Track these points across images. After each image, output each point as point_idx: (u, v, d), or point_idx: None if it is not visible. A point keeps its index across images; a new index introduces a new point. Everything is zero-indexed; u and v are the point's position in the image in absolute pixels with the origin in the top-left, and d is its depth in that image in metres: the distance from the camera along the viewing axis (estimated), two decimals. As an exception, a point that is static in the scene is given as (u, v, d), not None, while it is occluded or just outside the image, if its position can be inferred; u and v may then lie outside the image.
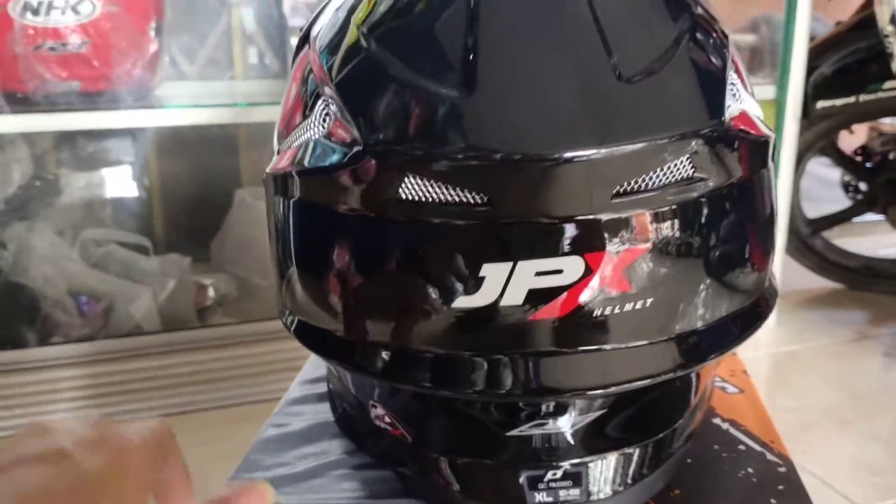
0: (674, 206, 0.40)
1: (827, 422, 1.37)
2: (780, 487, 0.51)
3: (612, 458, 0.47)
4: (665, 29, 0.43)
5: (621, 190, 0.39)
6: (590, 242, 0.39)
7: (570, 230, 0.38)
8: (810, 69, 1.66)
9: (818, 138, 1.81)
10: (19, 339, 1.37)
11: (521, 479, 0.46)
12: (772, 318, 1.71)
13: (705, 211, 0.41)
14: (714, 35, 0.45)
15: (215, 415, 1.40)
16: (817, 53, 1.70)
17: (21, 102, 1.28)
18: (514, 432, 0.46)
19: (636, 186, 0.39)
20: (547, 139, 0.38)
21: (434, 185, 0.39)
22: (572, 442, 0.46)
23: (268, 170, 0.48)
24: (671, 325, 0.42)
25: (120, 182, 1.71)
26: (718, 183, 0.41)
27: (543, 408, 0.46)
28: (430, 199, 0.39)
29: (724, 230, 0.43)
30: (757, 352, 1.63)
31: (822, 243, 1.92)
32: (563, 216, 0.38)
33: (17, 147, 1.56)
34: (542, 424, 0.46)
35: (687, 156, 0.40)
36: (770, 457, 0.54)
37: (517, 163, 0.38)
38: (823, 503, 1.15)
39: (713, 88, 0.42)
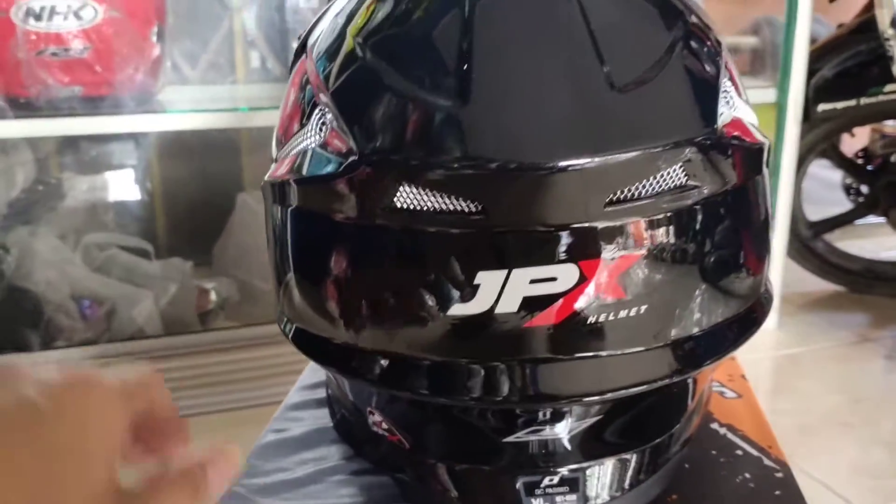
0: (668, 214, 0.40)
1: (828, 425, 1.36)
2: (777, 492, 0.51)
3: (608, 464, 0.47)
4: (658, 37, 0.43)
5: (615, 198, 0.39)
6: (584, 250, 0.39)
7: (564, 238, 0.39)
8: (811, 72, 1.66)
9: (819, 141, 1.81)
10: (22, 343, 1.38)
11: (518, 485, 0.46)
12: (773, 321, 1.71)
13: (699, 218, 0.42)
14: (708, 43, 0.45)
15: (217, 418, 1.41)
16: (818, 56, 1.70)
17: (24, 107, 1.29)
18: (511, 438, 0.46)
19: (630, 194, 0.39)
20: (541, 148, 0.38)
21: (429, 193, 0.39)
22: (569, 448, 0.47)
23: (266, 178, 0.49)
24: (667, 331, 0.43)
25: (122, 186, 1.71)
26: (712, 190, 0.42)
27: (540, 414, 0.46)
28: (426, 208, 0.39)
29: (719, 237, 0.43)
30: (758, 355, 1.63)
31: (824, 246, 1.91)
32: (558, 224, 0.38)
33: (20, 151, 1.57)
34: (539, 431, 0.46)
35: (680, 164, 0.40)
36: (767, 462, 0.54)
37: (512, 172, 0.38)
38: (824, 507, 1.15)
39: (706, 96, 0.43)
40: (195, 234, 1.70)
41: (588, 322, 0.40)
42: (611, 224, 0.39)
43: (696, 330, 0.44)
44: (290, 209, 0.46)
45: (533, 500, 0.46)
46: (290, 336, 0.49)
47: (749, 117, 0.46)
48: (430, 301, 0.40)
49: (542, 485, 0.46)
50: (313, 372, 0.66)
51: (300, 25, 1.64)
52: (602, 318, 0.40)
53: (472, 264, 0.39)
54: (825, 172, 2.18)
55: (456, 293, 0.40)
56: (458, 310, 0.40)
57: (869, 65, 1.67)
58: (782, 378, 1.57)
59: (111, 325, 1.45)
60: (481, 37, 0.41)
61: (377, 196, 0.40)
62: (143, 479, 0.29)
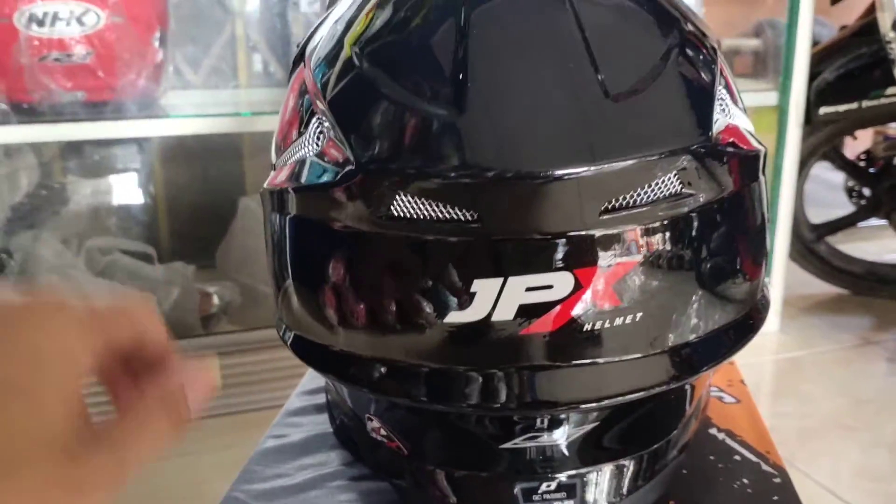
0: (664, 221, 0.40)
1: (830, 428, 1.36)
2: (775, 498, 0.51)
3: (606, 470, 0.48)
4: (653, 45, 0.43)
5: (610, 206, 0.39)
6: (579, 258, 0.39)
7: (559, 246, 0.39)
8: (813, 75, 1.66)
9: (821, 144, 1.81)
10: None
11: (516, 491, 0.47)
12: (774, 324, 1.71)
13: (696, 225, 0.42)
14: (703, 50, 0.45)
15: (220, 422, 1.41)
16: (820, 59, 1.70)
17: (26, 113, 1.29)
18: (509, 445, 0.46)
19: (626, 202, 0.39)
20: (537, 157, 0.38)
21: (426, 202, 0.39)
22: (567, 454, 0.47)
23: (265, 185, 0.49)
24: (664, 337, 0.43)
25: (125, 190, 1.72)
26: (708, 198, 0.42)
27: (538, 421, 0.46)
28: (422, 217, 0.40)
29: (715, 244, 0.43)
30: (760, 358, 1.63)
31: (827, 248, 1.91)
32: (553, 232, 0.39)
33: (23, 155, 1.58)
34: (537, 437, 0.46)
35: (676, 172, 0.40)
36: (765, 467, 0.54)
37: (508, 180, 0.38)
38: (826, 510, 1.15)
39: (701, 104, 0.43)
40: (198, 237, 1.70)
41: (585, 329, 0.41)
42: (607, 232, 0.39)
43: (692, 336, 0.44)
44: (288, 217, 0.46)
45: (531, 505, 0.46)
46: (288, 343, 0.49)
47: (745, 124, 0.46)
48: (427, 308, 0.40)
49: (540, 491, 0.47)
50: (313, 377, 0.67)
51: (302, 30, 1.64)
52: (599, 326, 0.41)
53: (469, 272, 0.39)
54: (828, 174, 2.18)
55: (453, 301, 0.40)
56: (454, 317, 0.40)
57: (871, 68, 1.67)
58: (784, 381, 1.57)
59: (114, 328, 1.45)
60: (477, 46, 0.41)
61: (374, 205, 0.40)
62: (117, 410, 0.27)
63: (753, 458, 0.55)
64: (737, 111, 0.46)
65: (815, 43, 1.68)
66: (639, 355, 0.42)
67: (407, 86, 0.41)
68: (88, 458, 0.25)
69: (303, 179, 0.44)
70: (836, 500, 1.17)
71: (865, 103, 1.69)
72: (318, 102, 0.45)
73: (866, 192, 1.93)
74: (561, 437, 0.47)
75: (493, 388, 0.42)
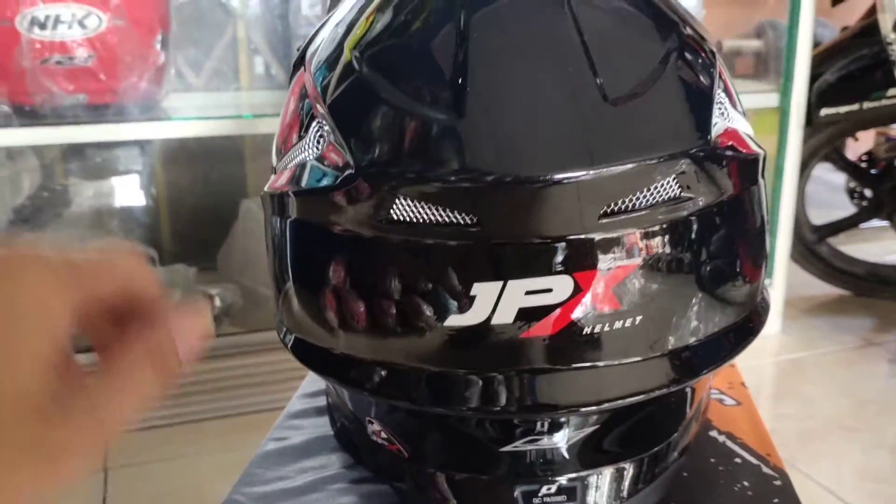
0: (663, 225, 0.41)
1: (832, 429, 1.36)
2: (776, 501, 0.51)
3: (606, 473, 0.48)
4: (652, 49, 0.43)
5: (609, 210, 0.39)
6: (579, 262, 0.39)
7: (558, 250, 0.39)
8: (814, 76, 1.66)
9: (822, 145, 1.81)
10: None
11: (516, 494, 0.47)
12: (776, 325, 1.71)
13: (695, 228, 0.42)
14: (702, 54, 0.45)
15: (222, 424, 1.41)
16: (821, 61, 1.70)
17: (29, 115, 1.30)
18: (509, 448, 0.46)
19: (625, 206, 0.39)
20: (536, 161, 0.38)
21: (425, 206, 0.39)
22: (567, 457, 0.47)
23: (266, 188, 0.49)
24: (664, 341, 0.43)
25: (127, 192, 1.72)
26: (708, 201, 0.42)
27: (538, 424, 0.46)
28: (422, 220, 0.40)
29: (715, 247, 0.43)
30: (761, 359, 1.63)
31: (828, 250, 1.91)
32: (553, 236, 0.39)
33: (25, 157, 1.58)
34: (537, 440, 0.46)
35: (675, 175, 0.40)
36: (766, 470, 0.54)
37: (507, 184, 0.38)
38: (828, 512, 1.15)
39: (700, 108, 0.43)
40: (199, 240, 1.71)
41: (584, 332, 0.41)
42: (606, 236, 0.39)
43: (692, 339, 0.44)
44: (289, 220, 0.46)
45: (531, 509, 0.47)
46: (289, 346, 0.49)
47: (744, 128, 0.46)
48: (427, 312, 0.41)
49: (540, 494, 0.47)
50: (314, 380, 0.67)
51: (304, 32, 1.64)
52: (598, 329, 0.41)
53: (468, 276, 0.39)
54: (829, 176, 2.18)
55: (452, 304, 0.40)
56: (454, 321, 0.40)
57: (872, 69, 1.67)
58: (786, 382, 1.57)
59: (116, 331, 1.45)
60: (476, 50, 0.41)
61: (374, 209, 0.41)
62: (101, 367, 0.25)
63: (754, 461, 0.55)
64: (736, 115, 0.46)
65: (816, 44, 1.68)
66: (639, 358, 0.42)
67: (406, 90, 0.41)
68: (65, 420, 0.23)
69: (303, 183, 0.45)
70: (838, 501, 1.17)
71: (867, 105, 1.69)
72: (318, 106, 0.45)
73: (868, 193, 1.93)
74: (561, 440, 0.47)
75: (493, 392, 0.42)
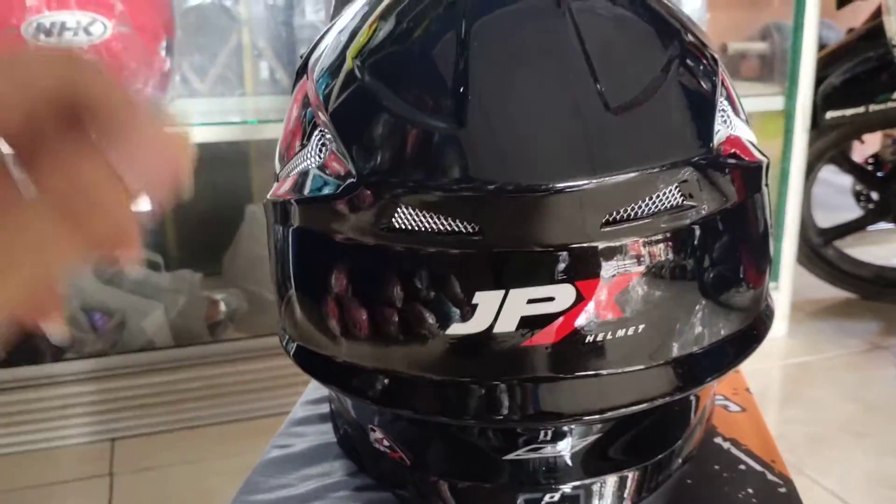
0: (666, 233, 0.40)
1: (840, 434, 1.35)
2: (781, 508, 0.51)
3: (610, 481, 0.48)
4: (654, 57, 0.43)
5: (612, 218, 0.39)
6: (581, 270, 0.39)
7: (560, 258, 0.39)
8: (819, 79, 1.65)
9: (828, 148, 1.81)
10: (33, 355, 1.39)
11: (519, 502, 0.47)
12: (782, 329, 1.71)
13: (698, 236, 0.42)
14: (704, 61, 0.45)
15: (227, 429, 1.41)
16: (826, 63, 1.70)
17: (34, 122, 1.30)
18: (512, 456, 0.46)
19: (627, 215, 0.39)
20: (538, 169, 0.38)
21: (427, 215, 0.39)
22: (570, 465, 0.47)
23: (269, 196, 0.49)
24: (667, 348, 0.43)
25: (132, 198, 1.72)
26: (710, 209, 0.42)
27: (541, 432, 0.46)
28: (424, 229, 0.40)
29: (718, 255, 0.43)
30: (768, 363, 1.62)
31: (835, 253, 1.90)
32: (555, 245, 0.39)
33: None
34: (540, 449, 0.46)
35: (677, 184, 0.40)
36: (771, 477, 0.54)
37: (509, 193, 0.38)
38: (835, 517, 1.14)
39: (703, 115, 0.43)
40: (205, 245, 1.71)
41: (587, 341, 0.40)
42: (608, 244, 0.39)
43: (696, 347, 0.44)
44: (291, 228, 0.46)
45: (534, 517, 0.46)
46: (291, 354, 0.49)
47: (747, 135, 0.46)
48: (429, 320, 0.40)
49: (544, 502, 0.46)
50: (317, 387, 0.67)
51: (308, 37, 1.65)
52: (601, 337, 0.41)
53: (470, 284, 0.39)
54: (836, 178, 2.17)
55: (455, 312, 0.40)
56: (457, 329, 0.40)
57: (878, 71, 1.67)
58: (792, 386, 1.56)
59: (121, 336, 1.46)
60: (477, 58, 0.41)
61: (375, 217, 0.41)
62: (35, 189, 0.21)
63: (759, 468, 0.54)
64: (738, 122, 0.46)
65: (821, 46, 1.67)
66: (642, 366, 0.42)
67: (408, 98, 0.41)
68: None
69: (305, 191, 0.45)
70: (846, 506, 1.16)
71: (873, 107, 1.68)
72: (320, 114, 0.45)
73: (874, 195, 1.93)
74: (564, 449, 0.46)
75: (495, 400, 0.42)
